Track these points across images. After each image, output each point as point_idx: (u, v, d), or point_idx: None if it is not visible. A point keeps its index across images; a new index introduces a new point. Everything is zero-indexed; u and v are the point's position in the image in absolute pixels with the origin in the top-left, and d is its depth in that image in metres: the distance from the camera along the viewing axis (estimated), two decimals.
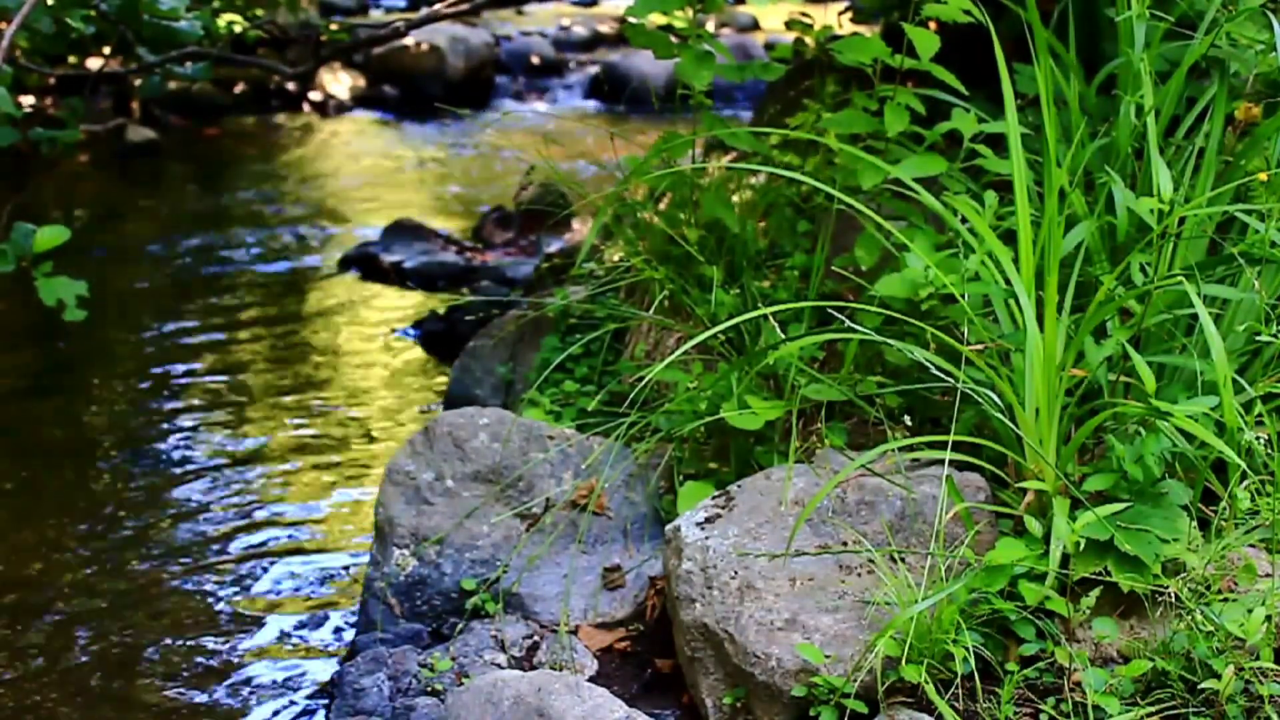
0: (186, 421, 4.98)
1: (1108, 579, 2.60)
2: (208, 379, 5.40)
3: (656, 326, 3.84)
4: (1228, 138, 3.28)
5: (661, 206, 4.02)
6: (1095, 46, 3.80)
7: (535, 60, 11.85)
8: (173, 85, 9.44)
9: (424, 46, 10.94)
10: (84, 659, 3.51)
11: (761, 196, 4.12)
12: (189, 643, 3.58)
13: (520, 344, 4.47)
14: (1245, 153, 3.24)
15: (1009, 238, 3.06)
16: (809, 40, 4.46)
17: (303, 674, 3.44)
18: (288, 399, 5.19)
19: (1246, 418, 2.70)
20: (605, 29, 12.88)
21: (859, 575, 2.79)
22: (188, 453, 4.73)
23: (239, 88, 10.54)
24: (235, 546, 4.09)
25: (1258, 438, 2.67)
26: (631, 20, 3.91)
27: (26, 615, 3.70)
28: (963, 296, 2.98)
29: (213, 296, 6.43)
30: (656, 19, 3.95)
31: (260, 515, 4.30)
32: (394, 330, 5.95)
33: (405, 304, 6.34)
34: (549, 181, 6.26)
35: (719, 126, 3.93)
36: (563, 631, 3.15)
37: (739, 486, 3.07)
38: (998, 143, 3.39)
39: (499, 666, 3.07)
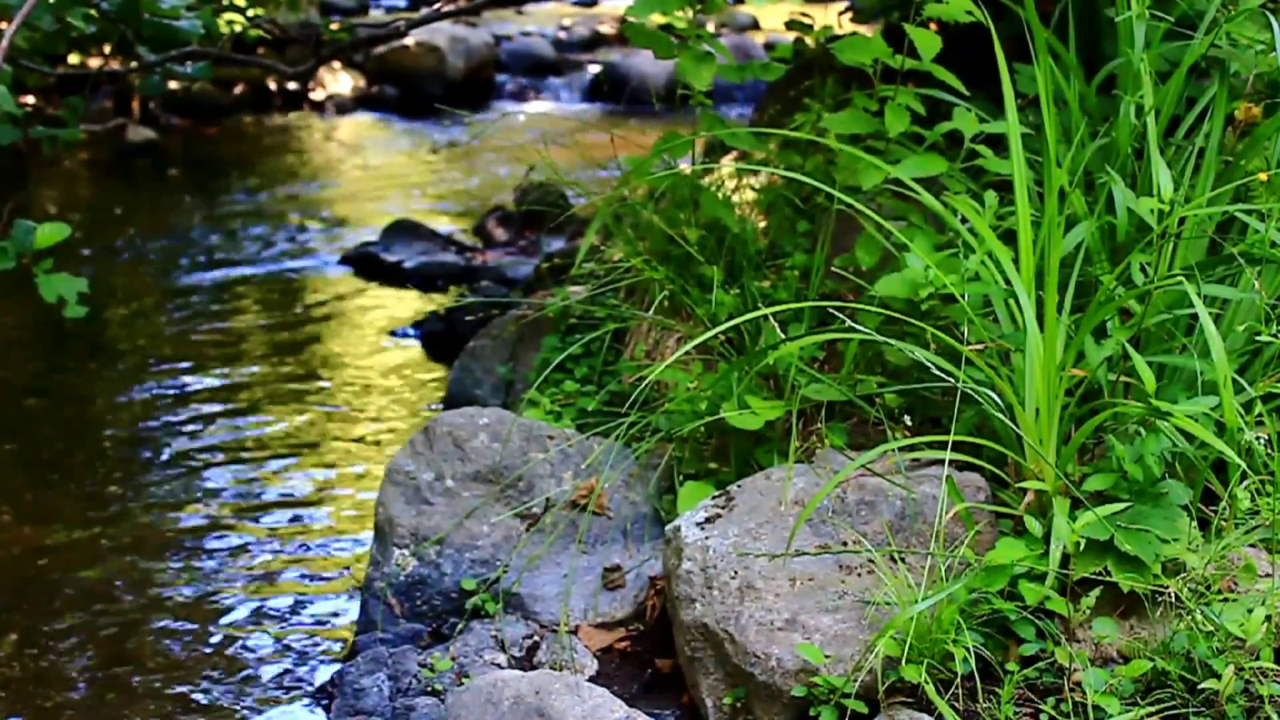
0: (185, 421, 4.98)
1: (1108, 579, 2.60)
2: (207, 379, 5.39)
3: (656, 326, 3.83)
4: (1228, 138, 3.28)
5: (661, 206, 4.02)
6: (1095, 46, 3.80)
7: (535, 60, 11.85)
8: (173, 85, 9.43)
9: (424, 46, 10.94)
10: (84, 658, 3.51)
11: (761, 196, 4.12)
12: (189, 642, 3.58)
13: (520, 344, 4.46)
14: (1245, 153, 3.24)
15: (1009, 238, 3.05)
16: (809, 40, 4.46)
17: (303, 674, 3.44)
18: (287, 399, 5.19)
19: (1246, 418, 2.70)
20: (605, 29, 12.88)
21: (859, 575, 2.79)
22: (187, 452, 4.73)
23: (239, 88, 10.53)
24: (234, 546, 4.09)
25: (1258, 438, 2.67)
26: (631, 20, 3.91)
27: (25, 614, 3.70)
28: (963, 296, 2.97)
29: (212, 296, 6.43)
30: (656, 19, 3.95)
31: (259, 515, 4.30)
32: (394, 330, 5.95)
33: (405, 304, 6.34)
34: (549, 181, 6.26)
35: (719, 126, 3.93)
36: (563, 631, 3.15)
37: (739, 486, 3.07)
38: (998, 143, 3.39)
39: (499, 666, 3.07)
